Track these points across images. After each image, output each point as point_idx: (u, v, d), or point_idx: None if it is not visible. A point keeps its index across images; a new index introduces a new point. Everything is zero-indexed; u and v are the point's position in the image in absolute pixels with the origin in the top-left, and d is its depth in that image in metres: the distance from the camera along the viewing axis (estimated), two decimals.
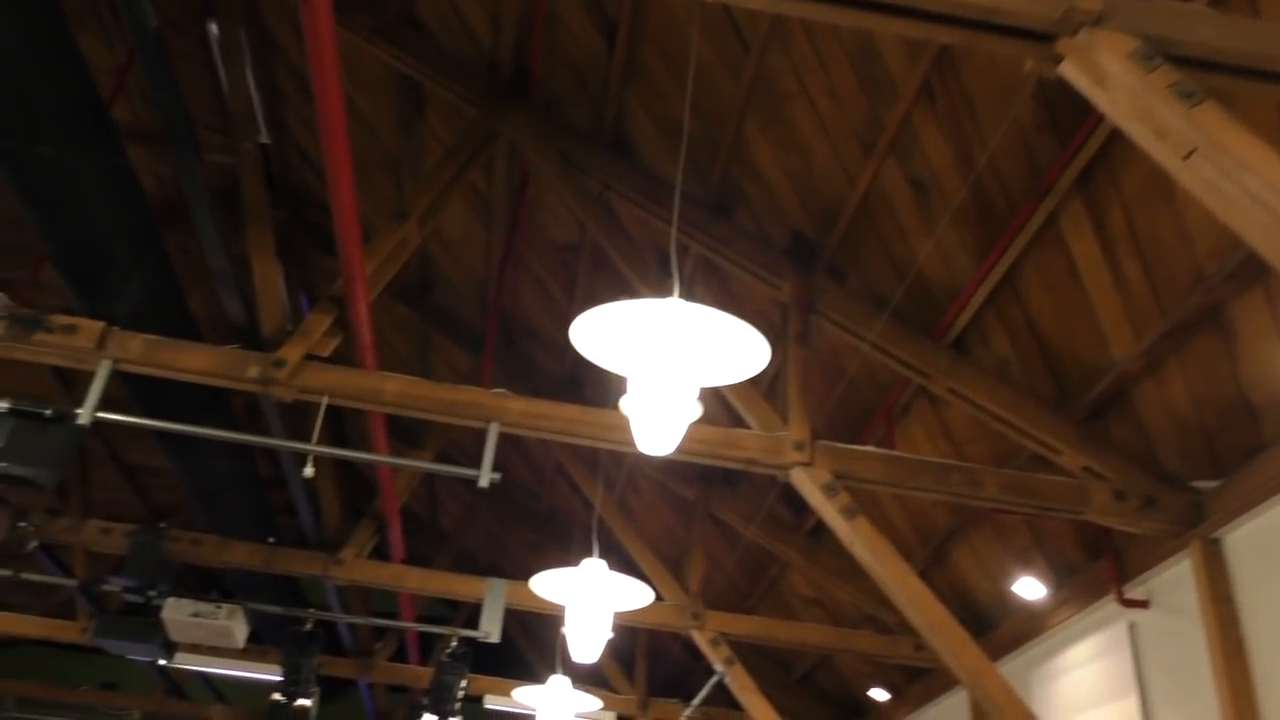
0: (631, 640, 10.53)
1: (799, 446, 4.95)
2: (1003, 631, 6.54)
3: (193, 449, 7.36)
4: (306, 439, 7.86)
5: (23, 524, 7.07)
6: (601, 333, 3.73)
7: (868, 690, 8.66)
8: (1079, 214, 4.42)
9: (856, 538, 4.78)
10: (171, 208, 8.11)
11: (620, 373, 3.82)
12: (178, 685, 12.51)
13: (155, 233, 5.67)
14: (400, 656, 10.16)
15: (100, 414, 4.73)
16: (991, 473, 4.98)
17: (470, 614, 8.64)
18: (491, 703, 9.47)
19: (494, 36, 5.79)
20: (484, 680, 9.38)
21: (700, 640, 7.18)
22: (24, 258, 7.71)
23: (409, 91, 6.66)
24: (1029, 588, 6.22)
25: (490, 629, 6.99)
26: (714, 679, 7.15)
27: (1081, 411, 5.06)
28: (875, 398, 6.10)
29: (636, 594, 5.80)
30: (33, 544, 7.06)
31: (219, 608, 6.82)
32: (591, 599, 5.84)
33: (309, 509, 7.36)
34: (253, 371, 4.86)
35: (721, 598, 8.79)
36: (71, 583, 7.56)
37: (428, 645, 10.59)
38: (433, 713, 7.04)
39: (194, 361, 4.86)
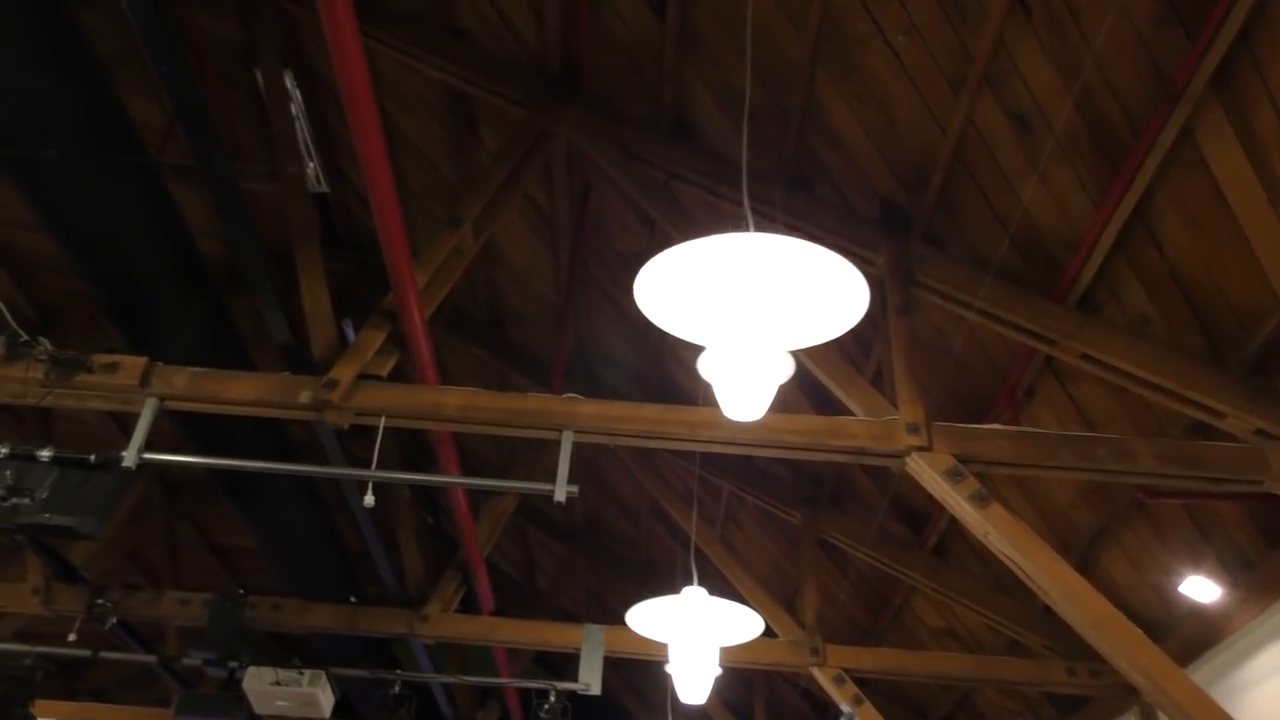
0: (748, 693, 9.80)
1: (913, 429, 4.32)
2: (1172, 643, 5.68)
3: (270, 512, 7.06)
4: (381, 489, 7.53)
5: (100, 600, 6.79)
6: (672, 290, 3.24)
7: None
8: (1218, 122, 3.79)
9: (993, 527, 4.11)
10: (234, 273, 7.94)
11: (696, 335, 3.32)
12: None
13: (204, 272, 5.42)
14: None
15: (147, 455, 4.38)
16: (1146, 443, 4.27)
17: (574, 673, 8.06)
18: None
19: (539, 32, 5.44)
20: None
21: (822, 679, 6.46)
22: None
23: (460, 113, 6.37)
24: (1199, 588, 5.39)
25: (589, 680, 6.40)
26: None
27: (1244, 365, 4.33)
28: (991, 381, 5.43)
29: (744, 621, 5.19)
30: (111, 620, 6.76)
31: (301, 674, 6.39)
32: (696, 630, 5.25)
33: (390, 567, 6.93)
34: (304, 396, 4.47)
35: (840, 635, 8.04)
36: (151, 659, 7.24)
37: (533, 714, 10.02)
38: None
39: (242, 391, 4.50)
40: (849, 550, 7.06)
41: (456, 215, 4.99)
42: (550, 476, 4.47)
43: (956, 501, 4.21)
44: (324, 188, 7.82)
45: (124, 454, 4.36)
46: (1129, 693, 6.12)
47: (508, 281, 7.56)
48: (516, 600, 11.63)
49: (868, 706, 6.28)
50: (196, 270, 5.42)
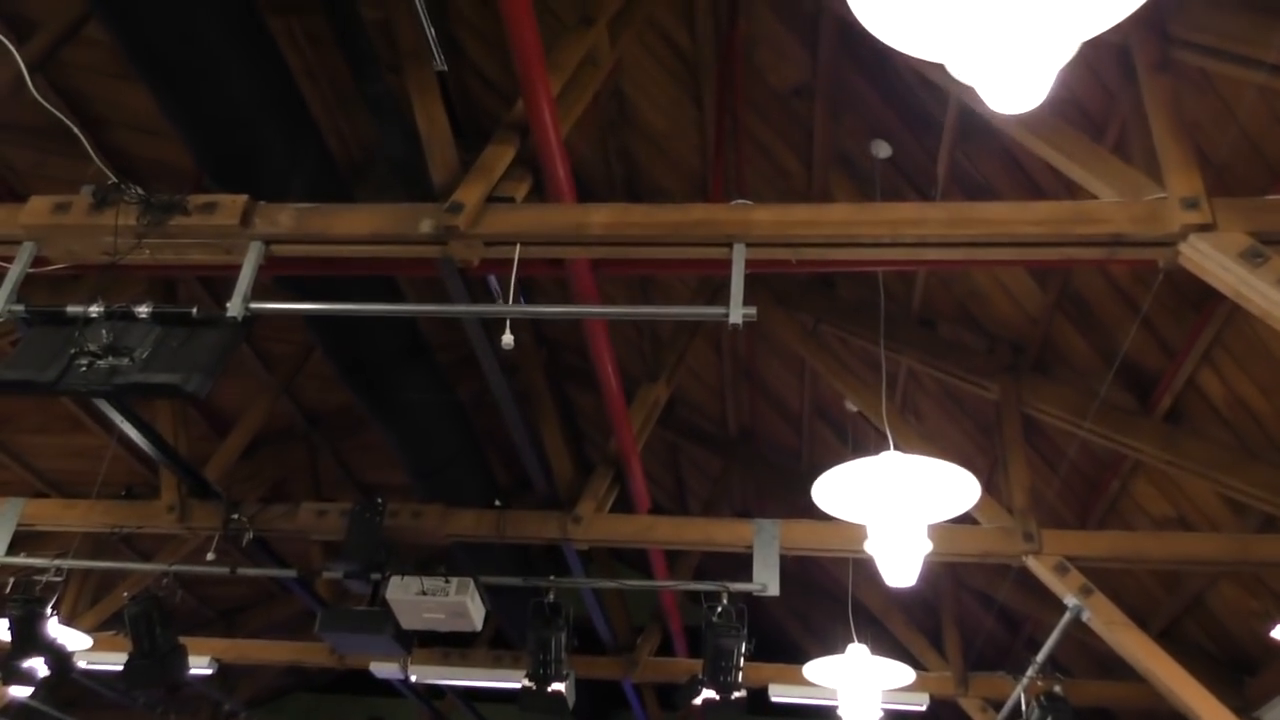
0: (934, 615, 8.88)
1: (1191, 204, 3.34)
2: None
3: (408, 412, 6.53)
4: (520, 385, 6.90)
5: (236, 516, 6.39)
6: None
7: (1267, 631, 6.61)
8: None
9: None
10: (359, 170, 7.41)
11: (936, 48, 2.46)
12: (442, 715, 11.82)
13: (309, 115, 4.82)
14: (666, 652, 8.94)
15: (254, 305, 3.79)
16: None
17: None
18: (777, 694, 8.06)
19: None
20: (761, 669, 8.02)
21: (1039, 569, 5.52)
22: None
23: None
24: None
25: (766, 580, 5.66)
26: (1067, 617, 5.46)
27: None
28: (1262, 178, 4.33)
29: (956, 484, 4.32)
30: (248, 535, 6.35)
31: (448, 582, 5.84)
32: (898, 500, 4.41)
33: (538, 463, 6.29)
34: (425, 226, 3.80)
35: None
36: (290, 573, 6.83)
37: (696, 641, 9.34)
38: (711, 686, 5.73)
39: (354, 225, 3.86)
40: (1058, 424, 6.05)
41: (588, 14, 4.21)
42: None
43: (1259, 291, 3.21)
44: (442, 64, 7.18)
45: (229, 305, 3.78)
46: None
47: (646, 150, 6.77)
48: None
49: (1099, 597, 5.32)
50: (303, 119, 4.83)
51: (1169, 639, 7.54)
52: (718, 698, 5.83)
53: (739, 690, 5.74)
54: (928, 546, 4.42)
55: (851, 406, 7.62)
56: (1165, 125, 3.53)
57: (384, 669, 8.63)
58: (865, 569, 8.77)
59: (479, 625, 6.01)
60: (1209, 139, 4.28)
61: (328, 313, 4.42)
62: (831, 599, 10.32)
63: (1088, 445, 6.28)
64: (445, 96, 5.62)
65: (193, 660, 7.18)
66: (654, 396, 6.36)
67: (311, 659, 9.02)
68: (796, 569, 10.30)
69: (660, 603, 8.57)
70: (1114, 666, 7.49)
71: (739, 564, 6.57)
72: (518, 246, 3.77)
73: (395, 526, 6.14)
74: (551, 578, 5.97)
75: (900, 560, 4.41)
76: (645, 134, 6.62)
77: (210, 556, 6.40)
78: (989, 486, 5.87)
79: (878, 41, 5.02)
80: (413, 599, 5.81)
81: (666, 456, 10.20)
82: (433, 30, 6.44)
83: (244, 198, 3.90)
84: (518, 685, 6.57)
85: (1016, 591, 7.86)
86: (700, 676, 5.86)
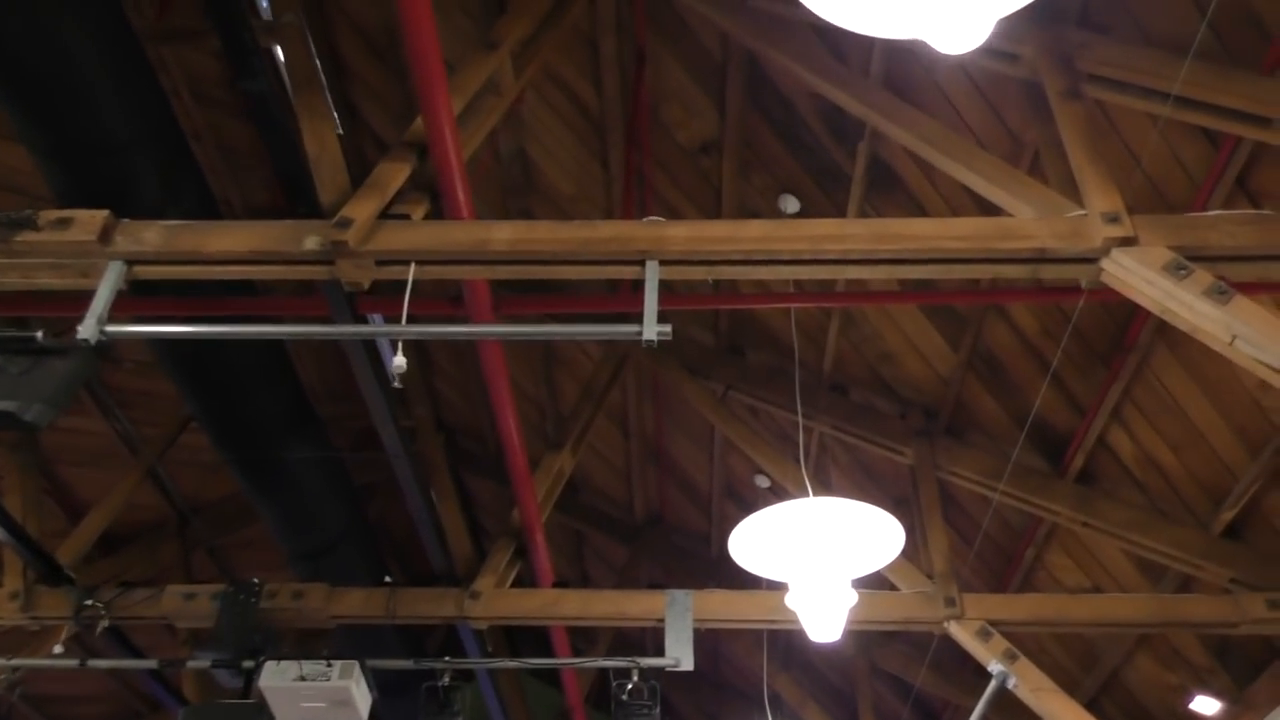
0: (850, 705, 8.55)
1: (1112, 219, 3.27)
2: None
3: (290, 488, 6.06)
4: (418, 464, 6.48)
5: (89, 602, 5.73)
6: None
7: (1184, 705, 6.47)
8: None
9: (1241, 323, 3.01)
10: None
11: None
12: None
13: (191, 158, 4.52)
14: None
15: (110, 327, 3.38)
16: None
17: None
18: None
19: None
20: None
21: (961, 635, 5.28)
22: None
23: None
24: None
25: (679, 654, 5.25)
26: (992, 686, 5.19)
27: None
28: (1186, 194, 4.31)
29: (881, 528, 4.09)
30: (103, 624, 5.69)
31: (330, 665, 5.28)
32: (821, 548, 4.15)
33: (434, 536, 5.83)
34: (310, 242, 3.48)
35: None
36: (150, 664, 6.12)
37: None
38: None
39: (230, 241, 3.52)
40: (973, 489, 5.92)
41: (492, 38, 4.04)
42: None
43: (1185, 303, 3.12)
44: (338, 129, 6.95)
45: (80, 327, 3.37)
46: None
47: (550, 215, 6.57)
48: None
49: (1024, 662, 5.09)
50: (183, 159, 4.52)
51: (1090, 712, 7.35)
52: None
53: None
54: (853, 598, 4.15)
55: (762, 483, 7.41)
56: (1080, 145, 3.48)
57: None
58: (779, 658, 8.45)
59: (364, 715, 5.43)
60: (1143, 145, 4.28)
61: (192, 336, 4.01)
62: (743, 698, 9.89)
63: (1001, 512, 6.16)
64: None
65: None
66: (558, 465, 6.02)
67: None
68: (707, 668, 9.88)
69: (564, 702, 8.04)
70: None
71: (646, 654, 6.16)
72: (412, 266, 3.48)
73: (274, 609, 5.57)
74: (447, 658, 5.46)
75: (824, 613, 4.12)
76: (549, 197, 6.45)
77: (58, 649, 5.71)
78: (906, 556, 5.65)
79: (784, 91, 5.01)
80: (290, 686, 5.22)
81: (570, 546, 9.76)
82: (330, 96, 6.21)
83: (104, 213, 3.52)
84: None
85: (932, 675, 7.61)
86: None
